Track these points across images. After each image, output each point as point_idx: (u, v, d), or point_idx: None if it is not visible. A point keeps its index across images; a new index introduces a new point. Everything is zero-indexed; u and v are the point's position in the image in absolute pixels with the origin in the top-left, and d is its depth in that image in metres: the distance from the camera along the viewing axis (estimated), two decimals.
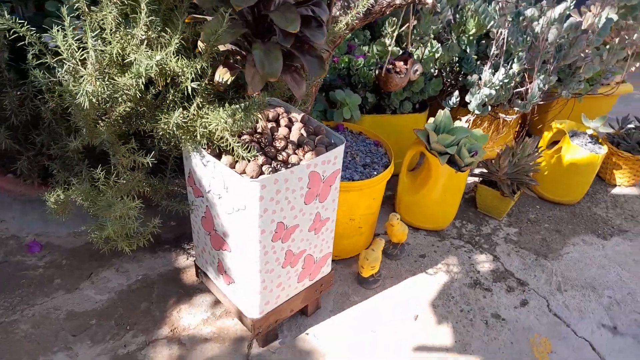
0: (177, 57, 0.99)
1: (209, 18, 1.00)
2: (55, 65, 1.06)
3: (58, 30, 0.99)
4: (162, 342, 1.45)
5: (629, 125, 2.36)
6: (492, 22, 1.86)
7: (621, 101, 2.91)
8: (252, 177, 1.12)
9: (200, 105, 1.09)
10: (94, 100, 0.98)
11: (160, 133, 1.23)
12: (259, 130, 1.25)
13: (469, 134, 1.74)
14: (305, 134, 1.29)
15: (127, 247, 1.29)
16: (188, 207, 1.38)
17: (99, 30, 1.13)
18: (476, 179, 2.24)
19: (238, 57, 1.08)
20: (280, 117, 1.33)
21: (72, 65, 0.97)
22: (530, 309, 1.65)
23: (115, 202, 1.12)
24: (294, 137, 1.27)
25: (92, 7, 1.10)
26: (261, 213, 1.14)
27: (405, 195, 1.92)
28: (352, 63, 1.91)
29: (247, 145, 1.12)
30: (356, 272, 1.73)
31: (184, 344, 1.45)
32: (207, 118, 1.04)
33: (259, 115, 1.21)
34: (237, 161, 1.16)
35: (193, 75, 1.00)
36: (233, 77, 1.04)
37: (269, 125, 1.28)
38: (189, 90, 1.03)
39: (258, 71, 0.99)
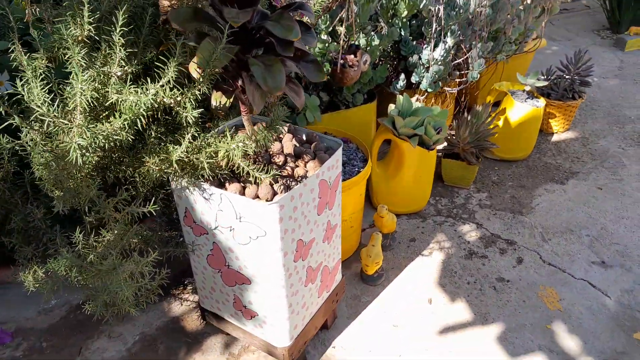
0: (172, 88, 0.90)
1: (192, 43, 0.92)
2: (21, 125, 0.92)
3: (23, 85, 0.86)
4: None
5: (553, 77, 2.54)
6: (424, 1, 1.91)
7: (535, 56, 3.13)
8: (267, 200, 1.05)
9: (196, 135, 1.00)
10: (87, 154, 0.86)
11: (143, 176, 1.12)
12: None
13: (430, 112, 1.77)
14: (298, 144, 1.23)
15: (133, 308, 1.16)
16: (187, 249, 1.27)
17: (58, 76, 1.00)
18: (438, 154, 2.29)
19: (227, 80, 1.00)
20: None
21: (52, 119, 0.85)
22: (527, 265, 1.72)
23: (121, 263, 1.00)
24: (288, 149, 1.21)
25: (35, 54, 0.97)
26: (282, 235, 1.08)
27: (380, 185, 1.92)
28: None
29: (260, 167, 1.04)
30: (357, 272, 1.70)
31: None
32: (214, 147, 0.95)
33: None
34: (245, 187, 1.08)
35: (192, 103, 0.91)
36: (231, 99, 0.96)
37: None
38: (187, 120, 0.93)
39: (259, 88, 0.93)
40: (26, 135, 0.93)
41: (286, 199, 1.04)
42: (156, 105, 0.92)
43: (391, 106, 1.79)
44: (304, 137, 1.28)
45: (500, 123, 2.25)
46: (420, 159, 1.83)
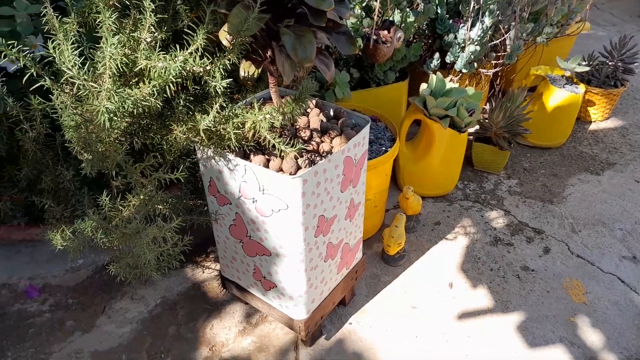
0: (201, 56, 0.89)
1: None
2: (52, 87, 0.93)
3: (54, 47, 0.87)
4: None
5: (594, 63, 2.43)
6: None
7: (577, 41, 3.00)
8: (291, 174, 1.05)
9: (224, 106, 1.00)
10: (115, 118, 0.86)
11: (170, 144, 1.13)
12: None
13: (464, 93, 1.72)
14: (325, 119, 1.22)
15: (155, 272, 1.19)
16: (210, 218, 1.28)
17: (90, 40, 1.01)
18: (469, 137, 2.24)
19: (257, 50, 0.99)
20: None
21: (81, 82, 0.85)
22: (554, 255, 1.68)
23: (145, 227, 1.02)
24: (315, 124, 1.20)
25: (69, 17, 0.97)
26: (304, 210, 1.07)
27: (407, 166, 1.90)
28: None
29: (285, 140, 1.03)
30: (379, 252, 1.69)
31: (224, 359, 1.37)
32: (241, 118, 0.95)
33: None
34: (269, 160, 1.08)
35: (222, 72, 0.90)
36: (259, 70, 0.95)
37: None
38: (215, 90, 0.93)
39: (289, 58, 0.91)
40: (57, 97, 0.94)
41: (310, 174, 1.04)
42: (185, 73, 0.92)
43: (423, 85, 1.75)
44: (332, 113, 1.26)
45: (536, 108, 2.17)
46: (451, 141, 1.79)
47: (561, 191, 1.99)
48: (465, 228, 1.80)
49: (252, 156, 1.08)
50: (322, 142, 1.14)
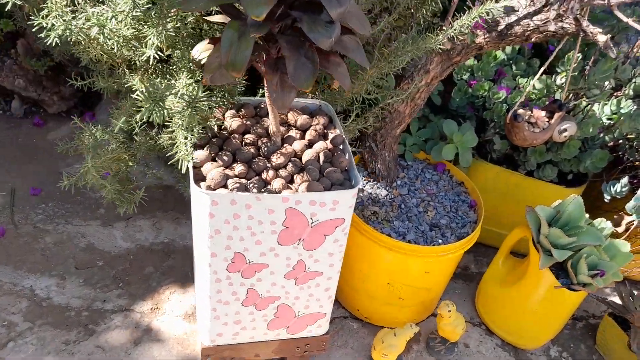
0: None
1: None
2: None
3: None
4: (135, 316, 1.34)
5: None
6: None
7: None
8: (208, 187, 0.88)
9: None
10: None
11: None
12: (271, 132, 0.98)
13: (600, 243, 1.18)
14: (323, 158, 0.98)
15: None
16: None
17: None
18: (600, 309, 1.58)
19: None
20: (311, 127, 1.04)
21: None
22: None
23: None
24: (306, 157, 0.98)
25: None
26: (212, 233, 0.90)
27: (490, 284, 1.44)
28: (490, 93, 1.46)
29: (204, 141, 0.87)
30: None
31: (149, 329, 1.32)
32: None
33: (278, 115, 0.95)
34: (214, 157, 0.93)
35: None
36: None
37: (282, 130, 1.00)
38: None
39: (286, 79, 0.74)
40: None
41: (223, 199, 0.86)
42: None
43: (543, 209, 1.25)
44: (338, 156, 1.00)
45: None
46: (550, 290, 1.27)
47: None
48: None
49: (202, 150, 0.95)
50: (281, 178, 0.92)
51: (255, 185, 0.89)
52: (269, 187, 0.90)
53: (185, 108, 0.75)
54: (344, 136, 1.02)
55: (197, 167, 0.92)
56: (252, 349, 1.16)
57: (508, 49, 1.54)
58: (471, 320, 1.49)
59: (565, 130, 1.29)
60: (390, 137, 1.34)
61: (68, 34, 0.79)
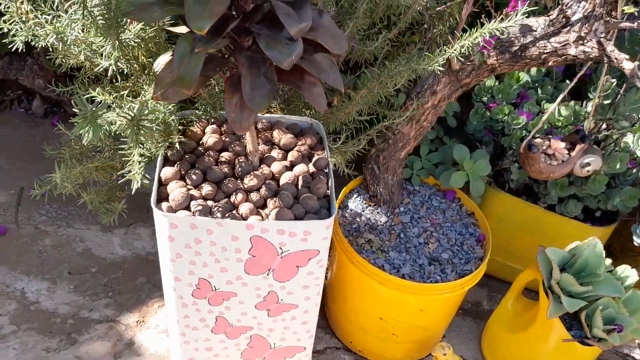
0: None
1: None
2: None
3: None
4: (120, 328, 1.31)
5: None
6: None
7: None
8: (169, 209, 0.82)
9: None
10: None
11: None
12: (249, 151, 0.92)
13: (619, 294, 1.05)
14: (302, 183, 0.90)
15: None
16: None
17: None
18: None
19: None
20: (294, 148, 0.96)
21: None
22: None
23: None
24: (283, 180, 0.90)
25: None
26: (173, 257, 0.85)
27: (498, 327, 1.32)
28: (510, 118, 1.34)
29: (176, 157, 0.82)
30: None
31: (132, 343, 1.28)
32: None
33: (254, 135, 0.89)
34: (183, 175, 0.88)
35: None
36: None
37: (263, 150, 0.94)
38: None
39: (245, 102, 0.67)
40: None
41: (183, 222, 0.80)
42: None
43: (555, 252, 1.12)
44: (318, 182, 0.92)
45: None
46: (559, 342, 1.14)
47: None
48: None
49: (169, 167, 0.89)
50: (250, 203, 0.85)
51: (220, 209, 0.83)
52: (234, 211, 0.84)
53: (127, 125, 0.69)
54: (329, 159, 0.94)
55: (164, 185, 0.87)
56: None
57: (533, 70, 1.42)
58: None
59: (588, 164, 1.16)
60: (393, 159, 1.25)
61: (33, 40, 0.75)
